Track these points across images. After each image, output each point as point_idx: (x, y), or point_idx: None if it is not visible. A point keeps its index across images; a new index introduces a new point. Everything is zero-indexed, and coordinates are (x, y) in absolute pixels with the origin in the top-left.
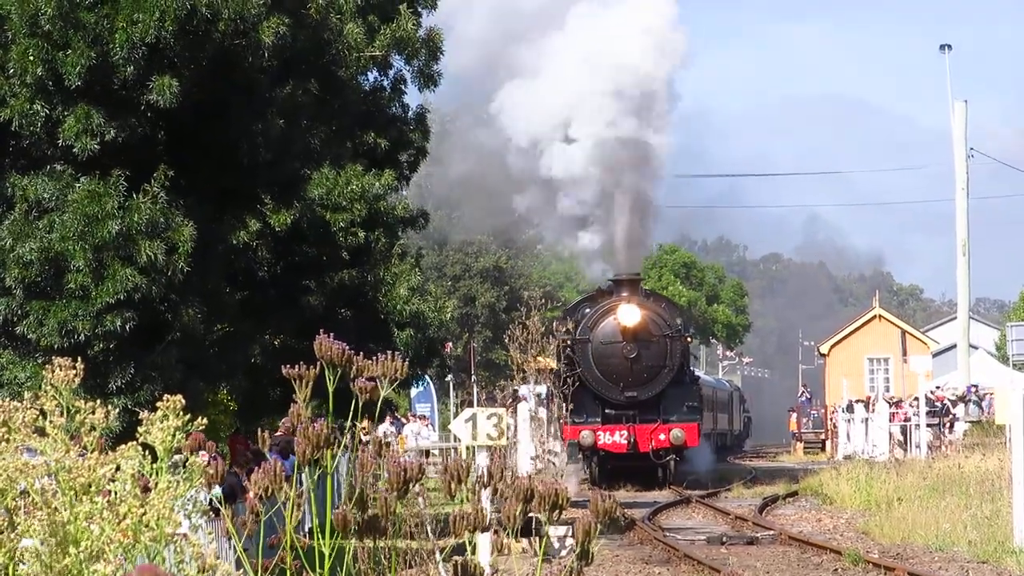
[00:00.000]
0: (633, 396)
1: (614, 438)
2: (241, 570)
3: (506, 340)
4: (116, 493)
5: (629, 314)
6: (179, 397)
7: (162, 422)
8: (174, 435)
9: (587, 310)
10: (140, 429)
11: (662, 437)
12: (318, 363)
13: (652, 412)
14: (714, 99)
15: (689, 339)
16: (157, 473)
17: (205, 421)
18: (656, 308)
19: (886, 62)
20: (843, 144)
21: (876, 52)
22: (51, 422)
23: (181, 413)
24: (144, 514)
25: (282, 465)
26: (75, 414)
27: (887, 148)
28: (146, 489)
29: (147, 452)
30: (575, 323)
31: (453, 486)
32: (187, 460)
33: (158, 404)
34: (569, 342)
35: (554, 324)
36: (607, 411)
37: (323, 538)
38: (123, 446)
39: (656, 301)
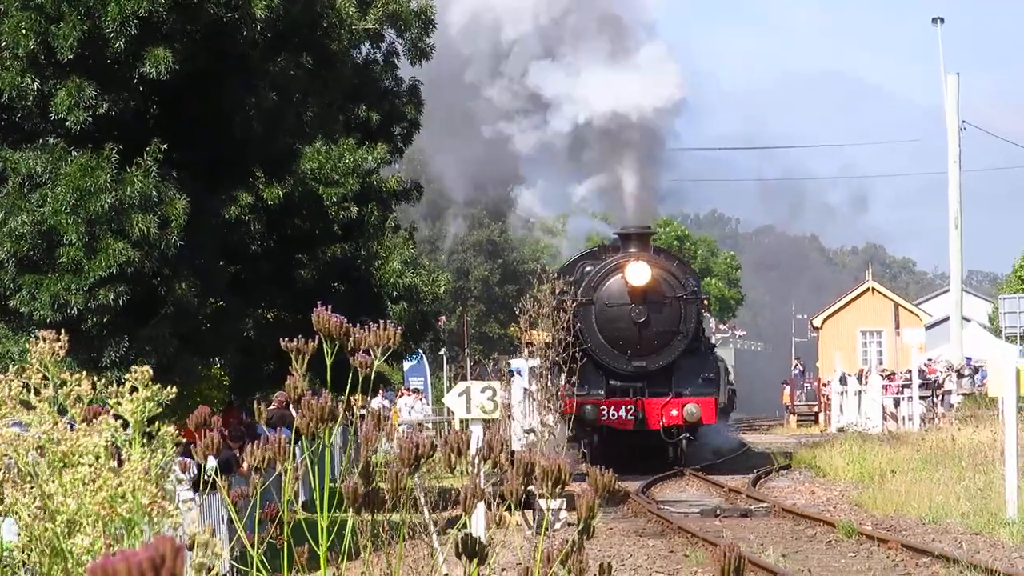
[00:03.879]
0: (642, 366)
1: (620, 413)
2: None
3: (517, 312)
4: (90, 466)
5: (638, 272)
6: (147, 368)
7: (131, 393)
8: (144, 406)
9: (588, 268)
10: (111, 401)
11: (674, 413)
12: (315, 336)
13: (663, 384)
14: (708, 78)
15: (706, 302)
16: (130, 444)
17: (175, 390)
18: (668, 267)
19: (880, 39)
20: (836, 119)
21: (869, 29)
22: (37, 395)
23: (150, 384)
24: (119, 485)
25: (286, 438)
26: (61, 386)
27: (880, 123)
28: (120, 461)
29: (117, 425)
30: (573, 283)
31: (453, 459)
32: (159, 430)
33: (127, 376)
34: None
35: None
36: (612, 382)
37: (321, 512)
38: (98, 418)
39: (668, 259)
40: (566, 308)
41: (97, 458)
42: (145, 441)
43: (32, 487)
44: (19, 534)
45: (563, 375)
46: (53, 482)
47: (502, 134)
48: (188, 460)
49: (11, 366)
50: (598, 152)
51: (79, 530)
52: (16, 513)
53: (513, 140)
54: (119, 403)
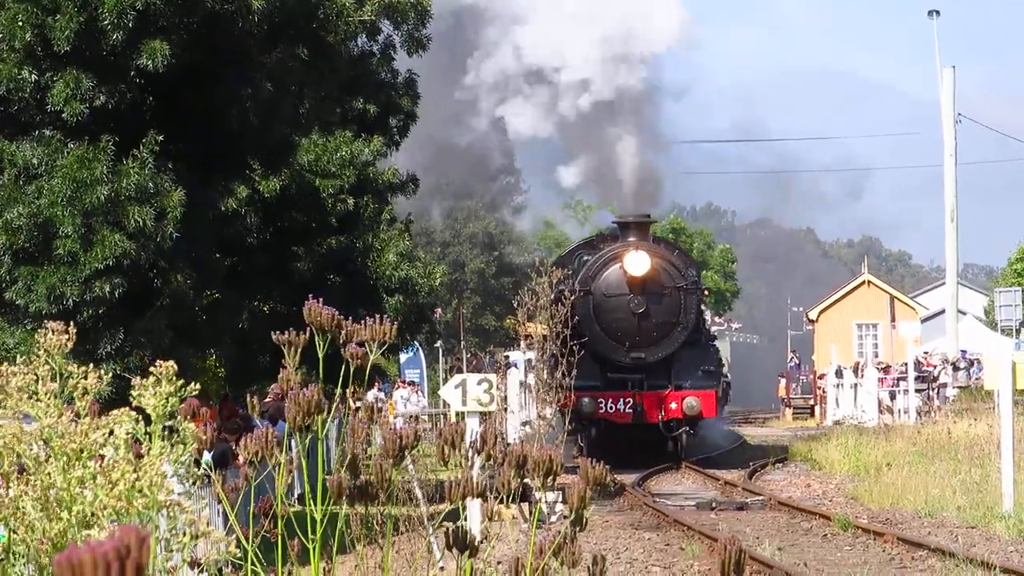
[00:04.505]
0: (640, 358)
1: (617, 406)
2: (233, 535)
3: (515, 305)
4: (109, 458)
5: (637, 262)
6: (172, 363)
7: (155, 388)
8: (167, 400)
9: (586, 258)
10: (132, 394)
11: (673, 406)
12: (308, 329)
13: (662, 377)
14: (701, 72)
15: (706, 292)
16: (150, 438)
17: (198, 387)
18: (668, 256)
19: (877, 34)
20: (833, 114)
21: (866, 24)
22: (43, 387)
23: (174, 379)
24: (137, 479)
25: (273, 431)
26: (67, 379)
27: (877, 117)
28: (139, 455)
29: (139, 417)
30: (571, 273)
31: (447, 451)
32: (181, 425)
33: (151, 369)
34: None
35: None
36: (609, 375)
37: (315, 504)
38: (117, 411)
39: (668, 248)
40: (564, 300)
41: (116, 449)
42: (165, 435)
43: (35, 481)
44: (13, 529)
45: (560, 367)
46: (59, 475)
47: (491, 118)
48: None
49: (18, 357)
50: (594, 124)
51: (95, 523)
52: (19, 508)
53: (505, 122)
54: (141, 396)
